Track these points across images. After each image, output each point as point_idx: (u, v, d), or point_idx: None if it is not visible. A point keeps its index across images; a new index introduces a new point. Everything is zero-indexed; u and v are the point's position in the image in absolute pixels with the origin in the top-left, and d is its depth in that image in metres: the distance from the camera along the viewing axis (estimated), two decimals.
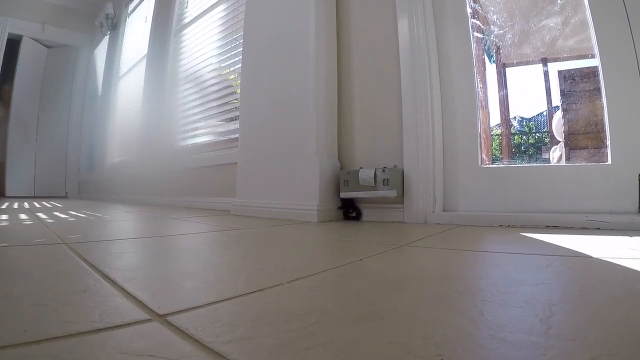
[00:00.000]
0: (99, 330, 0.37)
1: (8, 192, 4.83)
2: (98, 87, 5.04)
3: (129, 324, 0.39)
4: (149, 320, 0.40)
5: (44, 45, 5.19)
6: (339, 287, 0.55)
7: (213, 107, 2.71)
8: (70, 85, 5.40)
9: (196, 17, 3.01)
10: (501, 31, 1.76)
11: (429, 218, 1.51)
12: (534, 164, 1.56)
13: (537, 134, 2.00)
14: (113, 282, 0.55)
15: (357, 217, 1.70)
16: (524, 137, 2.06)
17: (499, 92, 1.84)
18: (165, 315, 0.42)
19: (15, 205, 2.66)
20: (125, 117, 4.16)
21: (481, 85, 1.67)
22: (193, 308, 0.45)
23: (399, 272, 0.64)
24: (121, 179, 3.98)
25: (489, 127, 1.78)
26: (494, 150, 1.89)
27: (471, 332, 0.37)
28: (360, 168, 1.64)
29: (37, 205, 2.69)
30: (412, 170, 1.56)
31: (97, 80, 5.13)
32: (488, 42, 1.81)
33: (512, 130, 1.93)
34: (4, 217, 1.67)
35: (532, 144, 2.06)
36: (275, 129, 1.93)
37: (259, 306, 0.46)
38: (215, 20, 2.79)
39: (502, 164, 1.70)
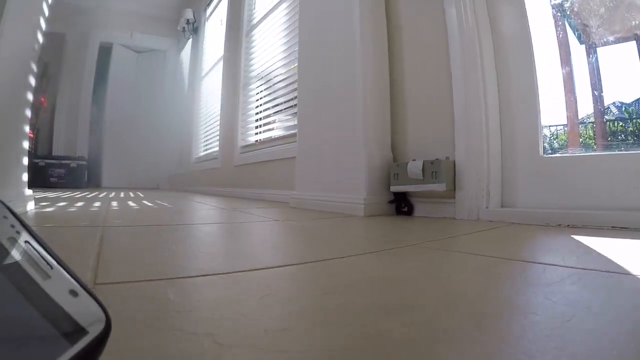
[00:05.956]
0: None
1: (104, 184, 5.48)
2: (184, 87, 5.45)
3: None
4: None
5: (133, 50, 5.78)
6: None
7: (280, 102, 2.76)
8: (160, 86, 5.92)
9: (263, 16, 3.10)
10: (586, 7, 1.51)
11: (481, 214, 1.34)
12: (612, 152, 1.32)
13: (638, 120, 1.70)
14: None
15: (409, 212, 1.59)
16: (622, 123, 1.76)
17: (588, 74, 1.60)
18: None
19: (102, 194, 2.94)
20: (207, 114, 4.46)
21: (567, 69, 1.47)
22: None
23: (417, 291, 0.56)
24: (202, 172, 4.28)
25: (576, 114, 1.56)
26: (586, 139, 1.65)
27: None
28: (412, 160, 1.53)
29: (121, 195, 2.95)
30: (463, 162, 1.40)
31: (183, 81, 5.54)
32: (573, 21, 1.58)
33: (609, 117, 1.66)
34: (80, 204, 1.86)
35: (632, 132, 1.75)
36: (326, 121, 1.90)
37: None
38: (279, 19, 2.83)
39: (569, 154, 1.47)
